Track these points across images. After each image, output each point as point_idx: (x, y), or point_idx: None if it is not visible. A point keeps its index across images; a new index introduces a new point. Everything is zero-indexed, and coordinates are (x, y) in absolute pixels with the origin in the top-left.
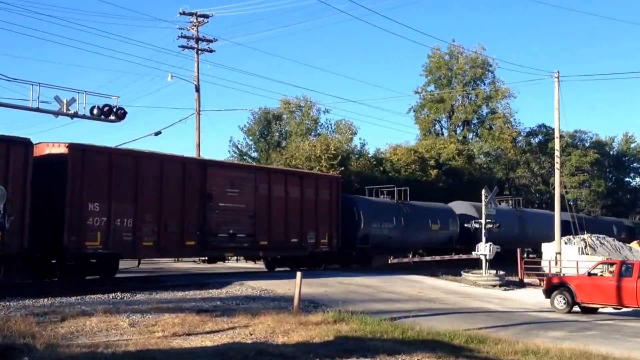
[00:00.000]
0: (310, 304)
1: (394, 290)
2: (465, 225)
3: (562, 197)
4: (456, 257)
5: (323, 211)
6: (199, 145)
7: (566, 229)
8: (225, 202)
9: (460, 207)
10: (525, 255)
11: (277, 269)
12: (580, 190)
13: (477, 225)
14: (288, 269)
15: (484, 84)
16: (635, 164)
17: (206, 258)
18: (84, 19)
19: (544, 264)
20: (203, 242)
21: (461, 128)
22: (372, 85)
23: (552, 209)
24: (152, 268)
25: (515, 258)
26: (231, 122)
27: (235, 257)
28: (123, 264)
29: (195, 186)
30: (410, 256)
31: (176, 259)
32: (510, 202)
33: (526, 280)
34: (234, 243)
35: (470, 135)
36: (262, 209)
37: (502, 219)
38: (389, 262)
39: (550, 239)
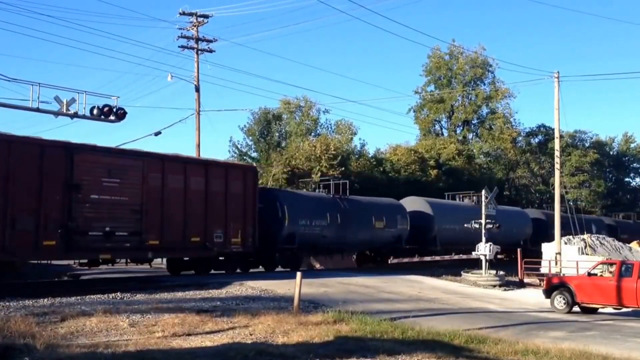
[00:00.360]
0: (310, 304)
1: (393, 290)
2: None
3: (562, 197)
4: (456, 257)
5: (235, 206)
6: (199, 145)
7: (541, 227)
8: (100, 194)
9: (412, 203)
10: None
11: (182, 273)
12: (580, 191)
13: (476, 226)
14: (193, 272)
15: (484, 84)
16: (635, 164)
17: (86, 260)
18: (84, 19)
19: (544, 264)
20: (67, 241)
21: (461, 128)
22: (372, 85)
23: (553, 209)
24: (153, 268)
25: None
26: (231, 122)
27: (124, 260)
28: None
29: (58, 175)
30: (355, 258)
31: (38, 262)
32: (474, 198)
33: (526, 280)
34: (110, 243)
35: (470, 136)
36: (152, 203)
37: (462, 217)
38: (389, 262)
39: (520, 239)
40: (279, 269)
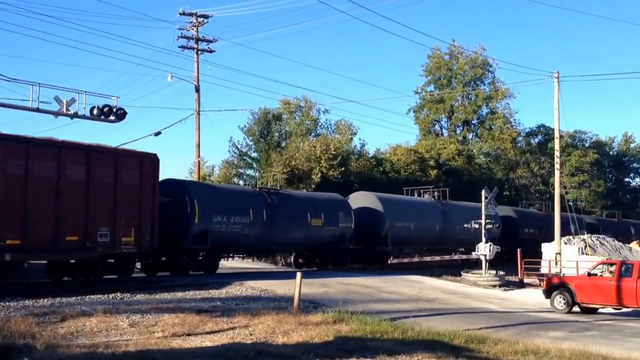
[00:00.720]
0: (310, 304)
1: (393, 290)
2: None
3: (562, 197)
4: (456, 257)
5: (127, 199)
6: (198, 145)
7: (511, 225)
8: None
9: (360, 199)
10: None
11: (65, 279)
12: (580, 191)
13: (476, 226)
14: (70, 278)
15: (484, 84)
16: (635, 164)
17: None
18: (83, 19)
19: (544, 264)
20: None
21: (461, 128)
22: (372, 85)
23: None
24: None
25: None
26: (231, 122)
27: None
28: None
29: None
30: (292, 258)
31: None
32: (436, 193)
33: (526, 280)
34: None
35: (470, 136)
36: (10, 195)
37: (417, 213)
38: (389, 262)
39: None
40: (192, 272)
